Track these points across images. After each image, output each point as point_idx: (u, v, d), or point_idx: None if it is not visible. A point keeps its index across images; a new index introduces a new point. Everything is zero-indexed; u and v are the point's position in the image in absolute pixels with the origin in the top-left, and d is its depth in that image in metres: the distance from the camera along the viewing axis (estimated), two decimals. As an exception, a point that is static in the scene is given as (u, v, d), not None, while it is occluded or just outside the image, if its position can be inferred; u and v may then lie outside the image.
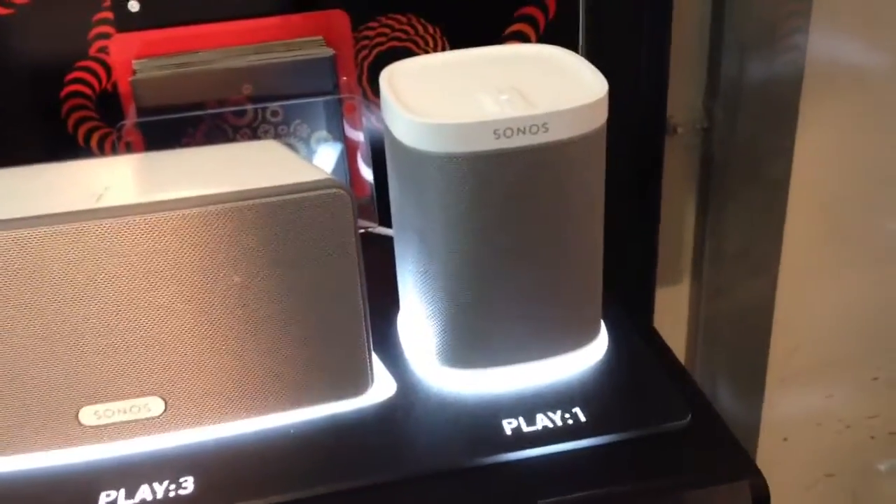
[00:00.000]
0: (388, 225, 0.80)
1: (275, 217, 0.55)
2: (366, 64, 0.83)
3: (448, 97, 0.60)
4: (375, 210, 0.82)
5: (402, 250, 0.65)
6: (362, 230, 0.82)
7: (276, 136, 0.78)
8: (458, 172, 0.56)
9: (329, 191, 0.56)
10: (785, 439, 1.24)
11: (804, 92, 0.97)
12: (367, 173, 0.82)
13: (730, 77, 0.96)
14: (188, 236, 0.54)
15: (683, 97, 0.99)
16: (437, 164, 0.57)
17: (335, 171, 0.81)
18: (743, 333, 1.13)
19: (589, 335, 0.65)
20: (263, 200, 0.55)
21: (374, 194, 0.82)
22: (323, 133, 0.80)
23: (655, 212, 0.96)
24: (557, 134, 0.56)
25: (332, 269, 0.57)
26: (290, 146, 0.78)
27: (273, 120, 0.77)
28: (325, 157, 0.81)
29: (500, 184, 0.57)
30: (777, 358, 1.16)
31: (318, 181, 0.56)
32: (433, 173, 0.57)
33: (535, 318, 0.62)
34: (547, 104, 0.57)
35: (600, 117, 0.58)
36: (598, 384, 0.63)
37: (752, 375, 1.16)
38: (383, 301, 0.68)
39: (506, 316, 0.61)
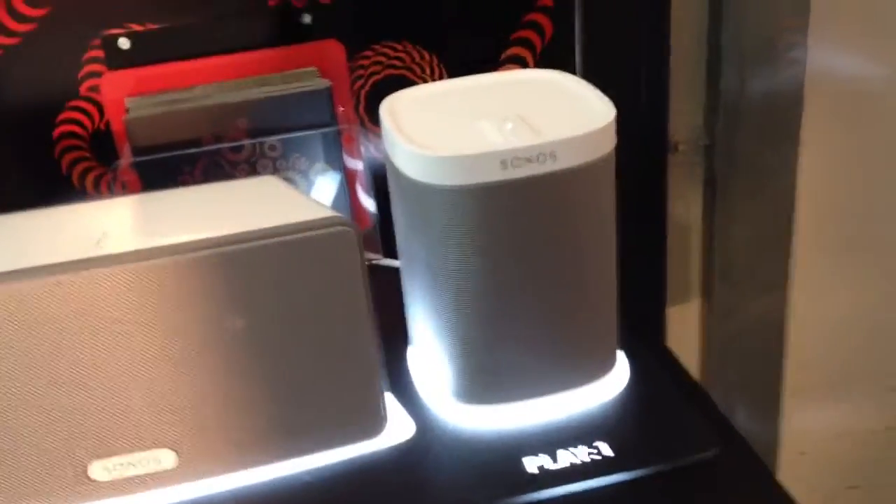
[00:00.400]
0: (393, 256, 0.79)
1: (279, 258, 0.53)
2: (362, 93, 0.81)
3: (451, 127, 0.59)
4: (379, 241, 0.80)
5: (409, 283, 0.63)
6: (367, 262, 0.81)
7: (275, 171, 0.76)
8: (465, 205, 0.55)
9: (335, 229, 0.54)
10: (803, 453, 1.22)
11: (805, 106, 0.96)
12: (368, 203, 0.80)
13: (729, 93, 0.95)
14: (191, 282, 0.52)
15: (684, 114, 0.98)
16: (442, 197, 0.55)
17: (336, 202, 0.79)
18: (756, 350, 1.11)
19: (607, 364, 0.63)
20: (267, 242, 0.53)
21: (378, 225, 0.80)
22: (322, 165, 0.78)
23: (662, 231, 0.95)
24: (566, 162, 0.55)
25: (340, 308, 0.55)
26: (290, 181, 0.76)
27: (271, 154, 0.76)
28: (325, 190, 0.79)
29: (509, 215, 0.55)
30: (790, 372, 1.14)
31: (323, 219, 0.54)
32: (438, 206, 0.55)
33: (550, 350, 0.60)
34: (553, 132, 0.55)
35: (608, 143, 0.57)
36: (619, 415, 0.61)
37: (767, 392, 1.14)
38: (392, 335, 0.66)
39: (520, 350, 0.59)
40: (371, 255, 0.81)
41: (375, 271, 0.80)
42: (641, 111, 0.89)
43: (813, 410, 1.16)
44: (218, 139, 0.74)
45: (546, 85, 0.63)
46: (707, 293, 1.09)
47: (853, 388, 1.18)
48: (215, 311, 0.53)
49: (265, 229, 0.53)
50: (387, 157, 0.60)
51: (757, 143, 0.97)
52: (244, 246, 0.53)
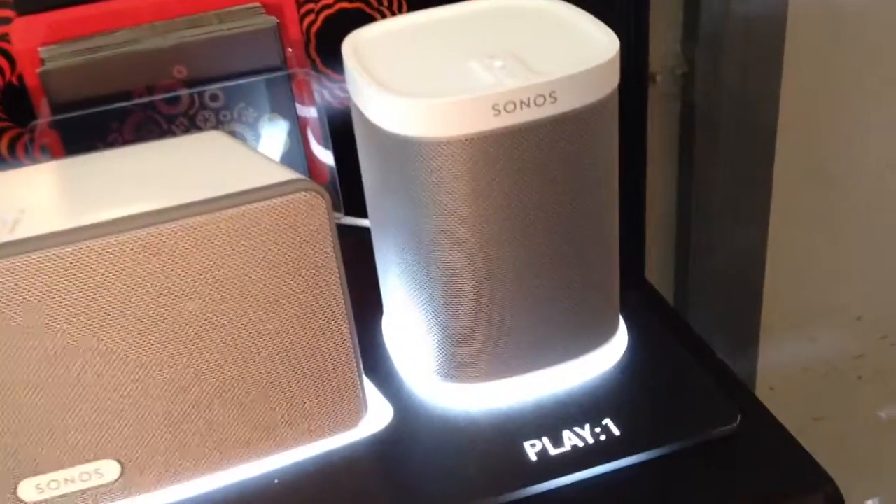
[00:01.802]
0: (356, 213, 0.71)
1: (235, 232, 0.45)
2: (313, 31, 0.72)
3: (429, 67, 0.50)
4: (340, 198, 0.72)
5: (383, 247, 0.55)
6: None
7: (218, 124, 0.67)
8: (453, 159, 0.47)
9: (300, 194, 0.46)
10: (771, 388, 1.20)
11: (788, 30, 0.89)
12: (325, 156, 0.71)
13: (712, 17, 0.87)
14: (129, 264, 0.44)
15: (659, 42, 0.90)
16: (423, 151, 0.47)
17: (288, 156, 0.70)
18: (733, 286, 1.06)
19: (609, 329, 0.56)
20: (219, 213, 0.45)
21: (337, 180, 0.71)
22: (271, 115, 0.69)
23: (642, 168, 0.88)
24: (568, 104, 0.47)
25: (308, 284, 0.47)
26: (237, 136, 0.67)
27: (213, 105, 0.66)
28: (276, 143, 0.70)
29: (503, 168, 0.47)
30: (765, 308, 1.10)
31: (285, 183, 0.46)
32: (419, 162, 0.47)
33: (549, 317, 0.53)
34: (551, 69, 0.47)
35: (613, 80, 0.49)
36: (625, 387, 0.55)
37: (745, 329, 1.10)
38: (362, 305, 0.58)
39: (516, 318, 0.52)
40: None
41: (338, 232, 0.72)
42: (620, 39, 0.81)
43: (783, 345, 1.13)
44: (150, 90, 0.65)
45: (535, 14, 0.55)
46: (683, 231, 1.03)
47: (823, 321, 1.16)
48: (160, 295, 0.45)
49: (216, 198, 0.45)
50: (353, 105, 0.52)
51: (740, 72, 0.90)
52: (192, 220, 0.44)
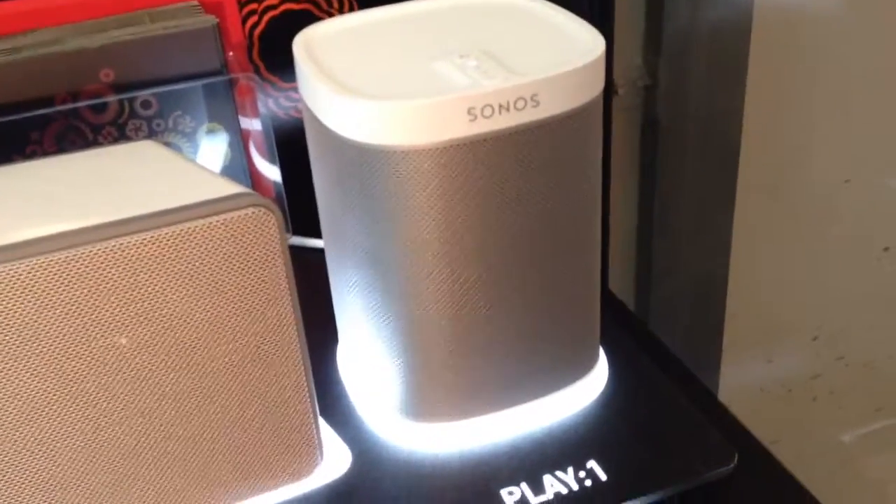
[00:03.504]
0: (306, 234, 0.65)
1: (171, 254, 0.39)
2: (256, 34, 0.66)
3: (394, 68, 0.45)
4: (287, 217, 0.66)
5: (340, 272, 0.49)
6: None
7: (151, 134, 0.60)
8: (422, 171, 0.41)
9: (248, 210, 0.40)
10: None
11: (753, 43, 0.86)
12: (269, 171, 0.65)
13: (676, 28, 0.83)
14: (43, 294, 0.37)
15: (620, 54, 0.86)
16: (389, 162, 0.41)
17: (230, 172, 0.64)
18: (696, 307, 1.02)
19: (589, 360, 0.51)
20: (152, 233, 0.38)
21: (284, 197, 0.65)
22: (210, 124, 0.63)
23: (605, 183, 0.83)
24: (551, 108, 0.42)
25: (256, 314, 0.41)
26: (172, 146, 0.60)
27: (144, 113, 0.60)
28: (216, 155, 0.64)
29: (479, 180, 0.42)
30: (726, 329, 1.07)
31: (231, 198, 0.40)
32: (385, 174, 0.42)
33: (526, 346, 0.47)
34: (533, 69, 0.42)
35: (599, 81, 0.44)
36: (609, 423, 0.49)
37: (707, 350, 1.06)
38: (314, 334, 0.51)
39: (489, 350, 0.46)
40: (277, 234, 0.66)
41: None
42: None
43: (740, 366, 1.10)
44: (74, 96, 0.58)
45: (507, 12, 0.49)
46: (645, 246, 0.99)
47: (780, 341, 1.14)
48: (86, 327, 0.38)
49: (148, 216, 0.39)
50: (306, 109, 0.46)
51: (704, 84, 0.86)
52: (120, 241, 0.38)
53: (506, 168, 0.42)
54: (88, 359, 0.39)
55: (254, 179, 0.66)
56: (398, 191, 0.42)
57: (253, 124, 0.64)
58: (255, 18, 0.65)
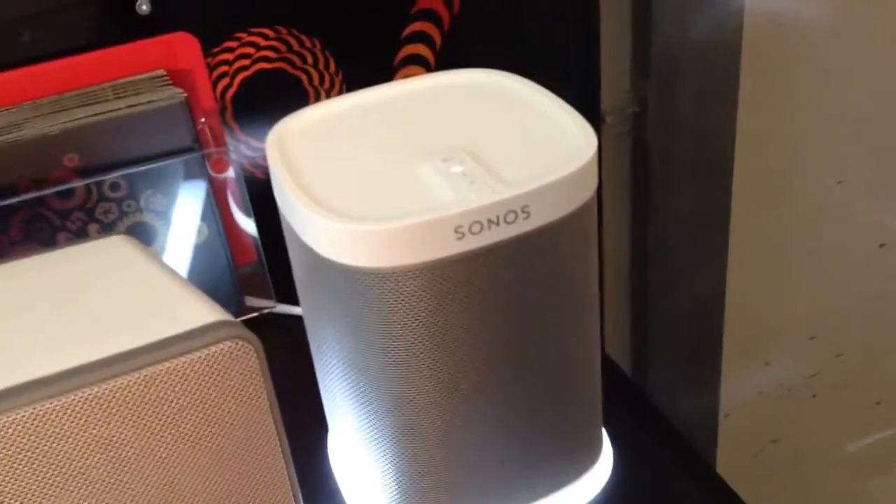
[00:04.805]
0: (290, 301, 0.62)
1: (142, 398, 0.36)
2: (228, 97, 0.63)
3: (374, 174, 0.42)
4: (269, 282, 0.63)
5: (325, 374, 0.47)
6: (256, 313, 0.64)
7: (121, 217, 0.57)
8: (407, 291, 0.39)
9: (225, 344, 0.37)
10: (727, 415, 1.16)
11: (744, 58, 0.83)
12: (247, 225, 0.62)
13: (664, 48, 0.80)
14: (10, 453, 0.35)
15: (607, 81, 0.83)
16: (374, 283, 0.39)
17: (208, 245, 0.61)
18: (694, 324, 1.00)
19: (592, 454, 0.49)
20: (119, 381, 0.36)
21: (264, 261, 0.62)
22: (185, 200, 0.60)
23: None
24: (542, 217, 0.39)
25: (240, 453, 0.39)
26: (146, 230, 0.58)
27: (113, 195, 0.57)
28: (192, 231, 0.61)
29: (469, 295, 0.39)
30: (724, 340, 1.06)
31: (207, 329, 0.37)
32: (370, 294, 0.39)
33: (525, 450, 0.45)
34: (522, 176, 0.39)
35: (592, 181, 0.41)
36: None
37: (706, 363, 1.05)
38: (303, 418, 0.49)
39: (486, 455, 0.44)
40: (263, 304, 0.64)
41: (271, 323, 0.63)
42: (571, 79, 0.74)
43: (738, 372, 1.08)
44: (37, 183, 0.55)
45: (491, 95, 0.46)
46: (640, 269, 0.97)
47: (777, 343, 1.12)
48: (43, 480, 0.36)
49: (112, 358, 0.36)
50: (283, 219, 0.43)
51: (693, 107, 0.83)
52: (86, 392, 0.35)
53: (497, 281, 0.39)
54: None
55: (234, 246, 0.63)
56: (384, 310, 0.39)
57: (227, 181, 0.61)
58: (226, 81, 0.62)
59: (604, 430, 0.51)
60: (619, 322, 1.02)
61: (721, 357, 1.06)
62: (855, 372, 1.22)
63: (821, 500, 1.29)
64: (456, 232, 0.38)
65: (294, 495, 0.40)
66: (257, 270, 0.63)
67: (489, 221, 0.38)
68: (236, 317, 0.62)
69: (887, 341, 1.20)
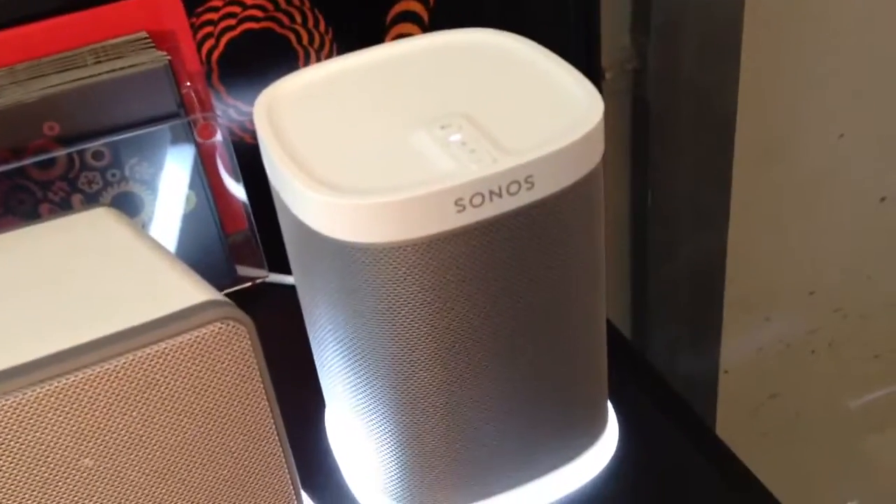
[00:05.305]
0: (284, 270, 0.60)
1: (130, 382, 0.34)
2: (214, 58, 0.60)
3: (369, 142, 0.40)
4: (261, 251, 0.61)
5: (322, 351, 0.45)
6: (248, 283, 0.62)
7: (105, 186, 0.55)
8: (407, 266, 0.37)
9: (216, 326, 0.35)
10: (726, 371, 1.16)
11: (747, 11, 0.81)
12: (236, 192, 0.60)
13: (666, 6, 0.78)
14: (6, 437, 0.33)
15: (606, 36, 0.81)
16: (372, 259, 0.37)
17: (197, 215, 0.59)
18: (696, 285, 0.99)
19: (598, 427, 0.47)
20: (105, 365, 0.34)
21: (255, 229, 0.60)
22: (171, 167, 0.57)
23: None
24: (547, 187, 0.37)
25: (234, 436, 0.37)
26: (132, 200, 0.55)
27: (97, 164, 0.54)
28: (180, 200, 0.58)
29: (471, 269, 0.38)
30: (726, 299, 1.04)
31: (196, 309, 0.35)
32: (367, 271, 0.37)
33: (528, 428, 0.43)
34: (525, 144, 0.37)
35: (598, 148, 0.39)
36: (621, 493, 0.46)
37: (707, 322, 1.04)
38: (300, 391, 0.47)
39: (488, 434, 0.43)
40: (254, 273, 0.62)
41: (264, 291, 0.61)
42: (571, 34, 0.72)
43: (738, 329, 1.07)
44: (17, 153, 0.52)
45: (490, 55, 0.44)
46: (640, 229, 0.95)
47: (776, 299, 1.11)
48: (40, 457, 0.34)
49: (105, 340, 0.34)
50: (274, 190, 0.41)
51: (696, 63, 0.81)
52: (77, 375, 0.34)
53: (499, 254, 0.38)
54: (55, 486, 0.35)
55: (222, 211, 0.61)
56: (382, 287, 0.37)
57: (216, 146, 0.59)
58: (211, 42, 0.60)
59: (609, 403, 0.49)
60: (619, 281, 1.00)
61: (722, 314, 1.05)
62: (854, 327, 1.21)
63: (820, 454, 1.29)
64: (456, 205, 0.36)
65: (291, 476, 0.39)
66: (248, 239, 0.61)
67: (491, 193, 0.36)
68: (228, 287, 0.61)
69: (887, 296, 1.20)
